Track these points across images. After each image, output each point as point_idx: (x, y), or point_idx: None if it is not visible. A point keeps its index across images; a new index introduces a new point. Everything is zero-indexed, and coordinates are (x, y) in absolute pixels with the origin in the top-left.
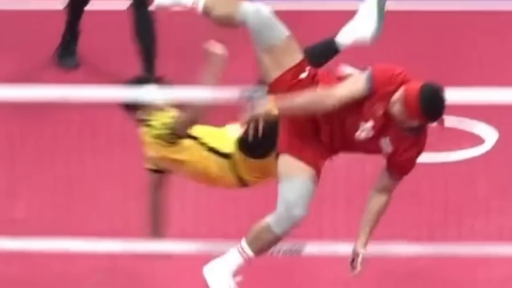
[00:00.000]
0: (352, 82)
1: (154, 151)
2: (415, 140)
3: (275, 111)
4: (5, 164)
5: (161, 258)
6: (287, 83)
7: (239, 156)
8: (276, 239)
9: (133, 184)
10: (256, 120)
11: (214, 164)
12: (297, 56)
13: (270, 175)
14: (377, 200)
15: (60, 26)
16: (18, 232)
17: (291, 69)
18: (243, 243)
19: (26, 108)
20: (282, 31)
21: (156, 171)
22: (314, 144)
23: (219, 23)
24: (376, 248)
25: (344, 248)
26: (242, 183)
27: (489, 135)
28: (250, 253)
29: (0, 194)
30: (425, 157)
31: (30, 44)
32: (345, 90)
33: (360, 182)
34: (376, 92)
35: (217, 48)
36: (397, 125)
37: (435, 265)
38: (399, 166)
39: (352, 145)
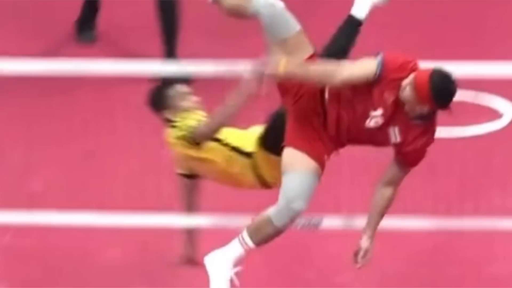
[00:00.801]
0: (364, 63)
1: (178, 151)
2: (424, 129)
3: (283, 72)
4: (22, 138)
5: (177, 232)
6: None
7: (260, 155)
8: (277, 232)
9: (150, 159)
10: (263, 77)
11: (236, 163)
12: (308, 50)
13: None
14: (383, 194)
15: (79, 1)
16: (35, 206)
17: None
18: (245, 234)
19: (44, 82)
20: (293, 25)
21: (187, 176)
22: (320, 138)
23: (229, 13)
24: (393, 223)
25: (360, 222)
26: (263, 183)
27: (506, 109)
28: (250, 244)
29: (17, 168)
30: (442, 132)
31: (49, 19)
32: (356, 68)
33: (376, 156)
34: (386, 78)
35: (253, 82)
36: (406, 114)
37: (451, 239)
38: (408, 156)
39: (360, 136)
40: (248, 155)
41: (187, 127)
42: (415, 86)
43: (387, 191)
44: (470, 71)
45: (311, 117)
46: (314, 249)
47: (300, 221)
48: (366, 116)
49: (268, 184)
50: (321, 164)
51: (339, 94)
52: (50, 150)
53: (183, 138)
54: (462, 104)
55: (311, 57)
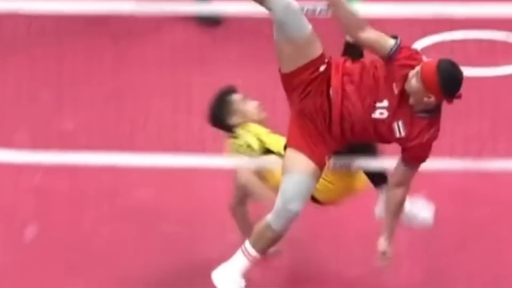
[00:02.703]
0: (385, 36)
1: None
2: (429, 122)
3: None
4: (53, 78)
5: (208, 170)
6: (307, 76)
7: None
8: (277, 236)
9: (182, 98)
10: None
11: None
12: (318, 49)
13: (343, 193)
14: (394, 196)
15: None
16: (66, 146)
17: (312, 61)
18: (247, 244)
19: (75, 20)
20: (305, 25)
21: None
22: (322, 138)
23: None
24: (425, 165)
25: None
26: (314, 198)
27: None
28: (254, 253)
29: (48, 108)
30: (473, 71)
31: None
32: (376, 34)
33: None
34: (396, 62)
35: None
36: (411, 107)
37: (483, 180)
38: (413, 151)
39: (365, 132)
40: None
41: (246, 146)
42: (423, 76)
43: (398, 193)
44: (501, 11)
45: (315, 116)
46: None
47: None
48: (372, 108)
49: (317, 200)
50: (321, 166)
51: (344, 90)
52: (81, 90)
53: (239, 152)
54: (493, 43)
55: (321, 56)
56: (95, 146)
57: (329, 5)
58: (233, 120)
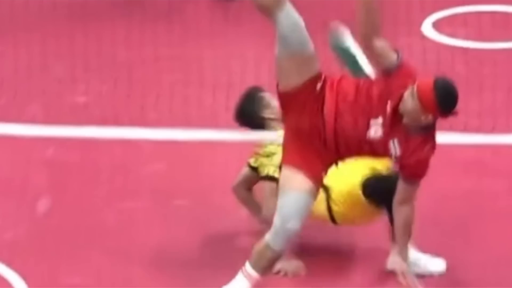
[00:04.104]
0: (390, 48)
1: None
2: (424, 140)
3: None
4: (65, 50)
5: (219, 144)
6: (305, 95)
7: (339, 191)
8: (276, 256)
9: (193, 70)
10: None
11: None
12: (317, 66)
13: (360, 219)
14: (401, 214)
15: None
16: (79, 119)
17: (310, 79)
18: (247, 266)
19: None
20: (309, 41)
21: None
22: (318, 155)
23: (258, 6)
24: (439, 139)
25: None
26: (333, 219)
27: None
28: (255, 274)
29: (61, 81)
30: (487, 44)
31: None
32: (386, 45)
33: None
34: (395, 78)
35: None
36: (405, 126)
37: (497, 154)
38: (410, 169)
39: (360, 150)
40: (325, 187)
41: (267, 173)
42: (419, 95)
43: (404, 210)
44: None
45: (311, 134)
46: None
47: None
48: (366, 126)
49: (336, 221)
50: (318, 183)
51: (338, 109)
52: (93, 64)
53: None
54: (507, 16)
55: (318, 74)
56: (107, 120)
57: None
58: (266, 112)
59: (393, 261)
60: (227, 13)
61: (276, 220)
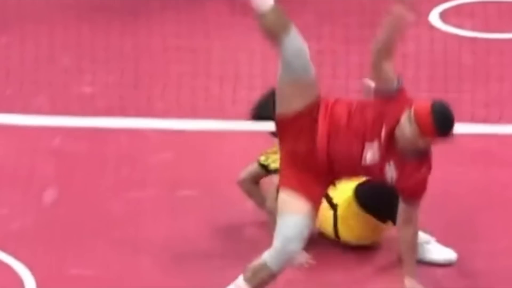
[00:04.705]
0: (393, 75)
1: None
2: (420, 163)
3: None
4: (72, 41)
5: (226, 135)
6: (302, 120)
7: (345, 210)
8: (272, 276)
9: (201, 61)
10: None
11: (320, 210)
12: (317, 91)
13: (365, 236)
14: (405, 235)
15: None
16: (86, 109)
17: (309, 105)
18: (241, 279)
19: None
20: (311, 67)
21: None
22: (315, 178)
23: (265, 31)
24: None
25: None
26: (338, 237)
27: None
28: None
29: (68, 71)
30: (493, 34)
31: None
32: (392, 69)
33: None
34: (393, 102)
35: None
36: (399, 150)
37: (504, 144)
38: (409, 191)
39: (356, 172)
40: (332, 205)
41: (276, 168)
42: (417, 119)
43: (408, 231)
44: None
45: (307, 158)
46: None
47: None
48: (361, 149)
49: (340, 238)
50: (316, 205)
51: (330, 134)
52: (100, 54)
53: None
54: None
55: (316, 100)
56: (114, 110)
57: (390, 21)
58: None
59: (409, 285)
60: (235, 4)
61: (277, 242)
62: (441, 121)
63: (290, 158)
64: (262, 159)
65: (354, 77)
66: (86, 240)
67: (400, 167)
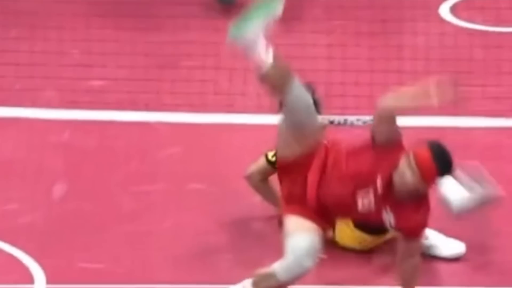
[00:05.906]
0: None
1: None
2: (417, 205)
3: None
4: (82, 35)
5: (235, 128)
6: (300, 167)
7: (343, 227)
8: (279, 286)
9: (210, 55)
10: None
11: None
12: (318, 138)
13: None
14: (406, 267)
15: None
16: (95, 103)
17: (309, 154)
18: (247, 281)
19: None
20: (314, 114)
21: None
22: (315, 216)
23: (270, 87)
24: (458, 122)
25: None
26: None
27: None
28: None
29: (78, 65)
30: (505, 28)
31: None
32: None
33: None
34: (389, 152)
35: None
36: (395, 195)
37: None
38: (408, 231)
39: (352, 217)
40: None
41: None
42: (419, 166)
43: (409, 264)
44: None
45: (302, 200)
46: None
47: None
48: (354, 196)
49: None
50: (320, 226)
51: (321, 177)
52: (109, 48)
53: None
54: None
55: (317, 147)
56: (123, 104)
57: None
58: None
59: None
60: None
61: (290, 258)
62: (443, 164)
63: (288, 197)
64: (270, 155)
65: (364, 71)
66: (96, 234)
67: (397, 212)
